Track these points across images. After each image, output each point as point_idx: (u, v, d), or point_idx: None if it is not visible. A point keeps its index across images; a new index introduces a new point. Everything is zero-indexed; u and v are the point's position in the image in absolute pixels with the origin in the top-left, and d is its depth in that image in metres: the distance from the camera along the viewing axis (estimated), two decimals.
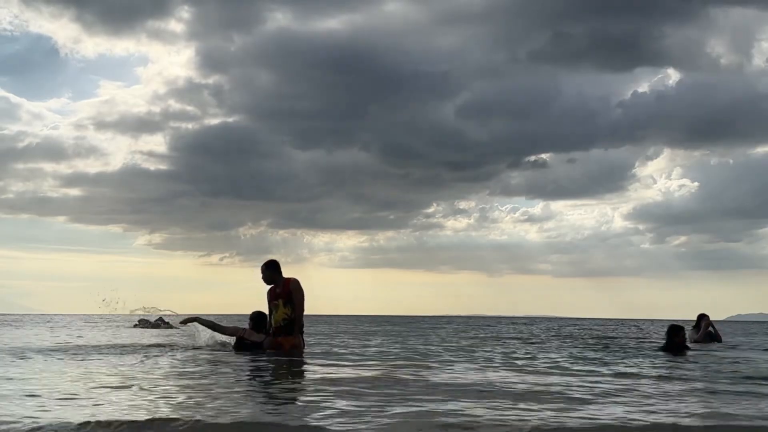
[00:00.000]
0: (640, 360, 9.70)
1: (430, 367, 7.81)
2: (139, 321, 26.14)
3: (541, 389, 5.82)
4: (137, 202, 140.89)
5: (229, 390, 5.60)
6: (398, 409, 4.56)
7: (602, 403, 5.07)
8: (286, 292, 9.17)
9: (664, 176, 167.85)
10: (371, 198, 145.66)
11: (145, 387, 5.70)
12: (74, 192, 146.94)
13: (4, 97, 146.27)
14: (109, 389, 5.62)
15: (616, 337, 19.24)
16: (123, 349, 10.53)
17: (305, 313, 9.26)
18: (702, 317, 14.91)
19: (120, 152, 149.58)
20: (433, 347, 12.38)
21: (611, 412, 4.68)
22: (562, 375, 7.26)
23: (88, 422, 4.04)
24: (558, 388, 5.89)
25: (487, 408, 4.71)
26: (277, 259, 9.41)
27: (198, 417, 4.19)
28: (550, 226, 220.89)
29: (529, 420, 4.26)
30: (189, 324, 10.14)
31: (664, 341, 12.31)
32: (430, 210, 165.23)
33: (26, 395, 5.24)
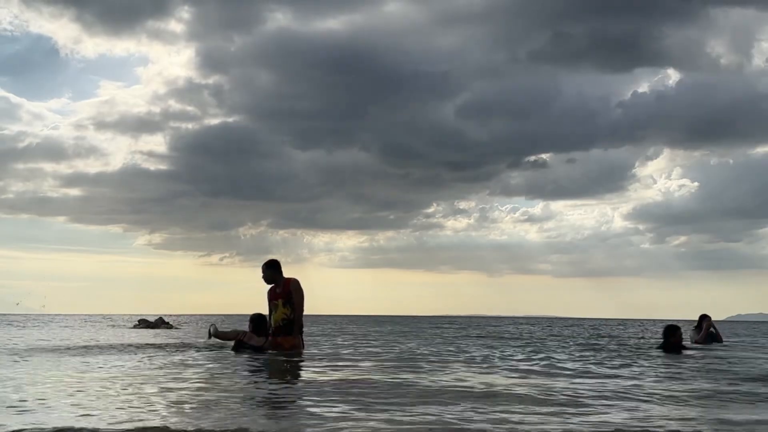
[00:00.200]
0: (638, 360, 9.70)
1: (429, 369, 7.81)
2: (139, 321, 26.27)
3: (539, 391, 5.81)
4: (137, 202, 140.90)
5: (225, 395, 5.57)
6: (397, 413, 4.56)
7: (597, 406, 5.07)
8: (285, 292, 9.18)
9: (664, 176, 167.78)
10: (371, 198, 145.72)
11: (137, 390, 5.62)
12: (74, 192, 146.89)
13: (4, 97, 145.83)
14: (96, 393, 5.46)
15: (615, 337, 19.26)
16: (121, 350, 10.53)
17: (305, 313, 9.27)
18: (704, 318, 14.90)
19: (120, 152, 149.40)
20: (432, 348, 12.38)
21: (608, 414, 4.68)
22: (561, 376, 7.25)
23: (71, 428, 3.87)
24: (557, 389, 5.89)
25: (486, 411, 4.71)
26: (278, 259, 9.44)
27: (190, 428, 3.95)
28: (550, 226, 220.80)
29: (527, 423, 4.26)
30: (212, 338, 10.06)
31: (661, 341, 12.34)
32: (430, 210, 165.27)
33: (13, 397, 5.10)
